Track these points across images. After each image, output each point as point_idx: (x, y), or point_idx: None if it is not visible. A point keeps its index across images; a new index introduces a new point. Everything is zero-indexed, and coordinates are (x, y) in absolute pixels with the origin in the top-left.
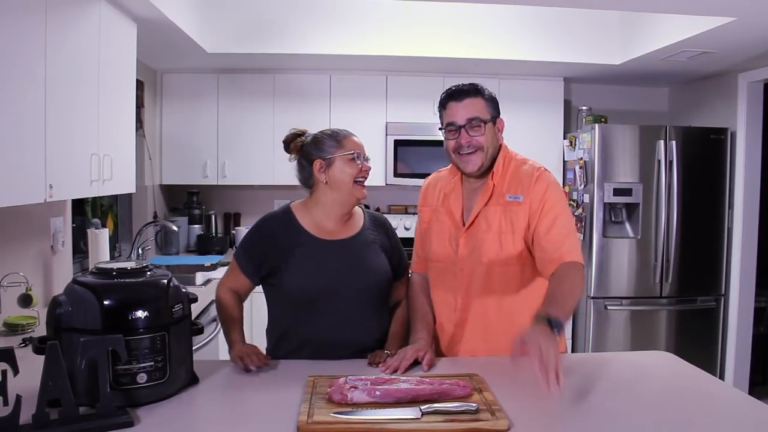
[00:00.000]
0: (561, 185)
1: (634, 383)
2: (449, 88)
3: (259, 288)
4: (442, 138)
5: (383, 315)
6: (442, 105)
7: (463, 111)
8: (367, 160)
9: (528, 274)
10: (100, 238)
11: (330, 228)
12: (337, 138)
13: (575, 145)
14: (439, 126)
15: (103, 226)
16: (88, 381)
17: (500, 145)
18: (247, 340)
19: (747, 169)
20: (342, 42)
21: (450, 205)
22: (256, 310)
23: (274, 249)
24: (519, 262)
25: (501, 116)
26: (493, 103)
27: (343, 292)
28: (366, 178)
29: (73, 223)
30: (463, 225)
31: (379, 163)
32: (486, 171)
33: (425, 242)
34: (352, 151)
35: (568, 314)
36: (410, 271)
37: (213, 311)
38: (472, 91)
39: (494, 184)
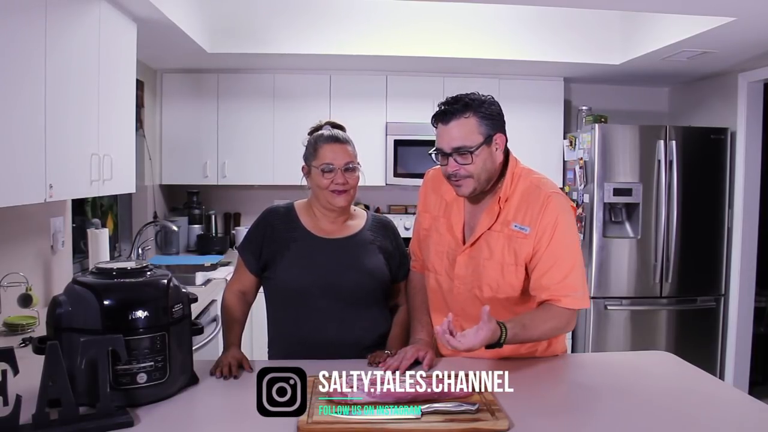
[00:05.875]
0: (570, 209)
1: (634, 383)
2: (442, 104)
3: (260, 289)
4: (430, 154)
5: (378, 316)
6: (433, 123)
7: (448, 138)
8: (349, 169)
9: (529, 296)
10: (100, 238)
11: (327, 227)
12: (315, 146)
13: (575, 145)
14: (433, 148)
15: (103, 226)
16: (88, 381)
17: (501, 163)
18: (247, 341)
19: (747, 169)
20: (342, 42)
21: (451, 218)
22: (256, 310)
23: (271, 239)
24: (521, 289)
25: (505, 126)
26: (488, 119)
27: (334, 290)
28: (344, 190)
29: (73, 223)
30: (464, 242)
31: (379, 163)
32: (485, 190)
33: (423, 250)
34: (323, 164)
35: (521, 335)
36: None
37: (213, 311)
38: (461, 109)
39: (500, 208)
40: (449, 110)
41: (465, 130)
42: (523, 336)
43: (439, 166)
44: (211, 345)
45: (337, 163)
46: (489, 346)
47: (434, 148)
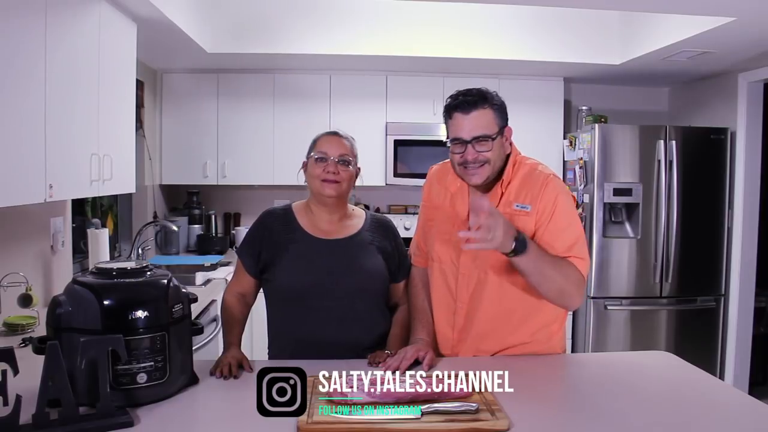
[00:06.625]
0: (568, 192)
1: (634, 383)
2: (455, 95)
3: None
4: (445, 142)
5: (378, 316)
6: (448, 114)
7: (469, 126)
8: (343, 162)
9: None
10: (100, 238)
11: (325, 227)
12: (314, 140)
13: (575, 145)
14: (445, 138)
15: (103, 226)
16: (88, 381)
17: (508, 154)
18: (247, 341)
19: (747, 169)
20: (342, 42)
21: (455, 207)
22: (256, 310)
23: (269, 241)
24: None
25: (508, 122)
26: (501, 111)
27: (333, 291)
28: (335, 181)
29: (73, 223)
30: (468, 229)
31: (379, 163)
32: (493, 180)
33: (428, 240)
34: (317, 152)
35: (536, 260)
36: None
37: (213, 311)
38: (479, 101)
39: (503, 192)
40: (470, 100)
41: (485, 119)
42: (538, 252)
43: (440, 163)
44: (211, 345)
45: (331, 153)
46: (514, 252)
47: (450, 137)
